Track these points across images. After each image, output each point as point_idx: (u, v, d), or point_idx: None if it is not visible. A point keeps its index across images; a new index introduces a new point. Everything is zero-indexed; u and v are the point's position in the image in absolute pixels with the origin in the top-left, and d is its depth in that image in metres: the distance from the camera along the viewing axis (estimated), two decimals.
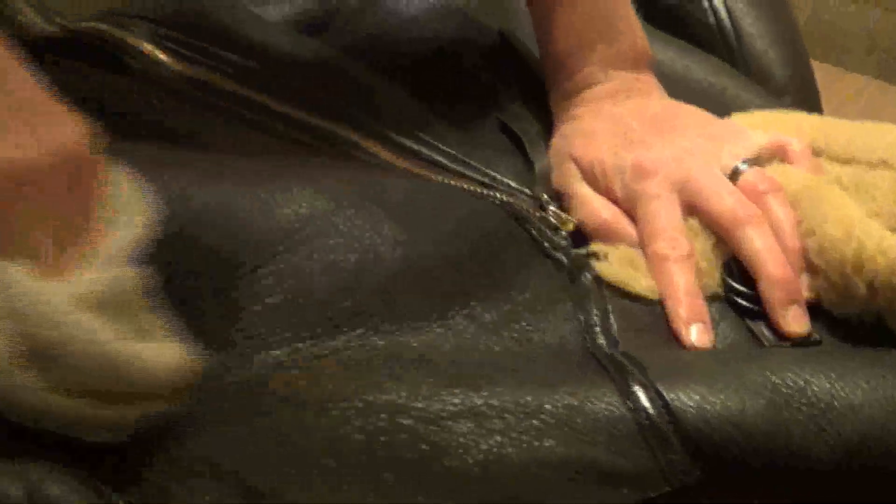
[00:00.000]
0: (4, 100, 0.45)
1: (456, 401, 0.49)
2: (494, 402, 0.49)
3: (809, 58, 0.78)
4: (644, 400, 0.49)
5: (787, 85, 0.78)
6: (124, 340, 0.45)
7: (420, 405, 0.48)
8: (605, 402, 0.49)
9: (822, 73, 0.86)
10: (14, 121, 0.45)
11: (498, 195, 0.63)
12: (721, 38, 0.79)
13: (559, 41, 0.69)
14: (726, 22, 0.79)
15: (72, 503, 0.45)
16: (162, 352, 0.46)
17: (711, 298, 0.59)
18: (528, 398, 0.49)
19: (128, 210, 0.48)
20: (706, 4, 0.80)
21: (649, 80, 0.70)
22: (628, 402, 0.49)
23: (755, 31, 0.78)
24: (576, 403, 0.49)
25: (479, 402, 0.49)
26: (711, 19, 0.79)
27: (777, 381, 0.50)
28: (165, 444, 0.47)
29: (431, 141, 0.67)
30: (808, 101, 0.78)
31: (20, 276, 0.43)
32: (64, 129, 0.46)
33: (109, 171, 0.49)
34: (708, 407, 0.49)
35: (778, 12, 0.80)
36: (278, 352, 0.51)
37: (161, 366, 0.45)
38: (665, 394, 0.49)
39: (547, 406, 0.49)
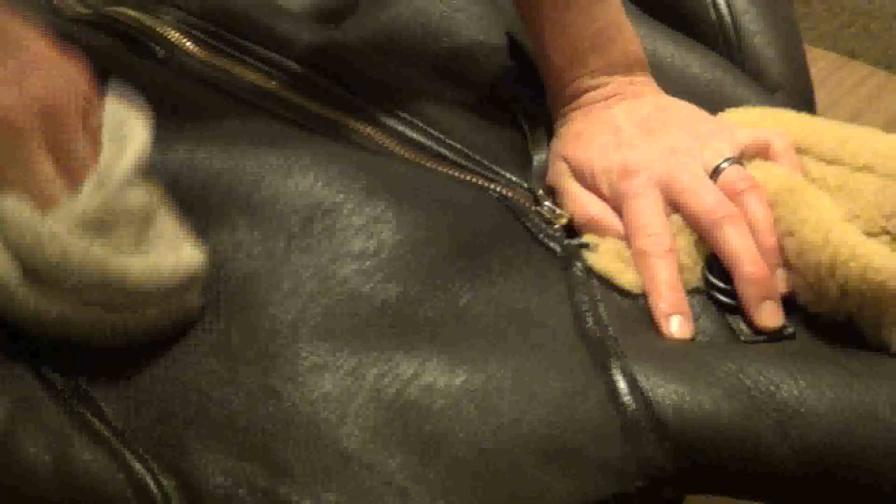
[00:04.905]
0: (21, 52, 0.51)
1: (460, 380, 0.52)
2: (495, 383, 0.52)
3: (805, 55, 0.80)
4: (628, 397, 0.52)
5: (782, 81, 0.79)
6: (116, 255, 0.50)
7: (428, 380, 0.52)
8: (593, 396, 0.52)
9: (828, 61, 0.89)
10: (31, 67, 0.51)
11: (497, 188, 0.66)
12: (721, 34, 0.81)
13: (552, 57, 0.71)
14: (727, 18, 0.81)
15: (99, 473, 0.49)
16: (155, 262, 0.52)
17: (693, 293, 0.61)
18: (527, 384, 0.52)
19: (123, 135, 0.54)
20: (708, 0, 0.82)
21: (642, 81, 0.71)
22: (614, 396, 0.52)
23: (754, 28, 0.80)
24: (567, 394, 0.52)
25: (482, 383, 0.52)
26: (713, 15, 0.81)
27: (750, 384, 0.52)
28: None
29: (438, 135, 0.69)
30: (803, 97, 0.79)
31: (16, 209, 0.49)
32: (74, 73, 0.53)
33: (106, 100, 0.55)
34: (685, 406, 0.51)
35: (778, 9, 0.81)
36: None
37: (153, 276, 0.51)
38: (646, 391, 0.52)
39: (543, 395, 0.52)
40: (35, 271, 0.49)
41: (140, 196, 0.53)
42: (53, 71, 0.53)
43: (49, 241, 0.49)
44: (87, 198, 0.51)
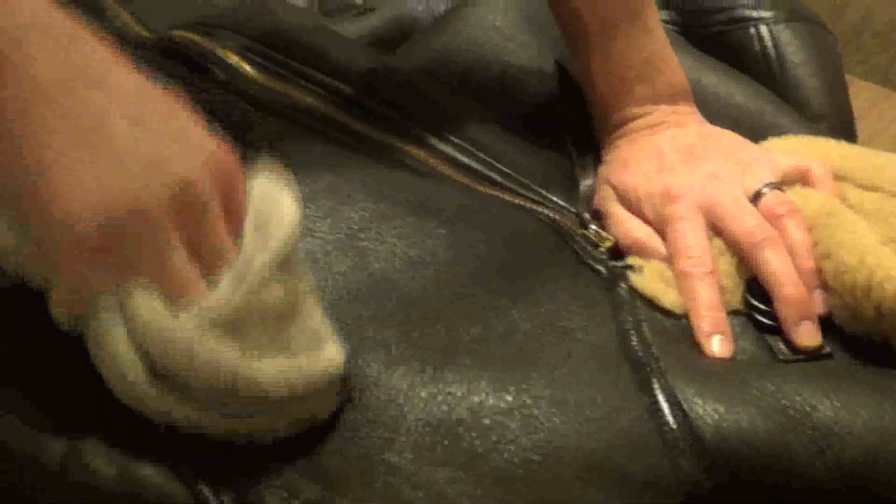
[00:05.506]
0: (164, 126, 0.46)
1: (509, 398, 0.53)
2: (540, 401, 0.53)
3: (847, 86, 0.82)
4: (668, 415, 0.53)
5: (824, 111, 0.81)
6: (248, 359, 0.45)
7: (477, 399, 0.53)
8: (634, 413, 0.54)
9: (870, 92, 0.90)
10: (173, 144, 0.46)
11: (545, 211, 0.68)
12: (765, 65, 0.83)
13: (598, 86, 0.74)
14: (771, 50, 0.83)
15: (161, 486, 0.48)
16: (289, 366, 0.47)
17: (733, 314, 0.63)
18: (571, 401, 0.53)
19: (267, 219, 0.49)
20: (753, 32, 0.84)
21: (686, 111, 0.74)
22: (655, 414, 0.54)
23: (797, 60, 0.82)
24: (609, 410, 0.54)
25: (529, 400, 0.53)
26: (757, 46, 0.83)
27: (787, 403, 0.54)
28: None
29: (489, 160, 0.71)
30: (844, 128, 0.81)
31: (145, 304, 0.44)
32: (216, 148, 0.47)
33: (251, 178, 0.50)
34: (724, 425, 0.53)
35: (821, 41, 0.83)
36: None
37: (285, 381, 0.46)
38: (687, 409, 0.53)
39: (587, 412, 0.53)
40: (163, 372, 0.45)
41: (281, 292, 0.47)
42: (195, 148, 0.47)
43: (177, 341, 0.44)
44: (224, 295, 0.46)
